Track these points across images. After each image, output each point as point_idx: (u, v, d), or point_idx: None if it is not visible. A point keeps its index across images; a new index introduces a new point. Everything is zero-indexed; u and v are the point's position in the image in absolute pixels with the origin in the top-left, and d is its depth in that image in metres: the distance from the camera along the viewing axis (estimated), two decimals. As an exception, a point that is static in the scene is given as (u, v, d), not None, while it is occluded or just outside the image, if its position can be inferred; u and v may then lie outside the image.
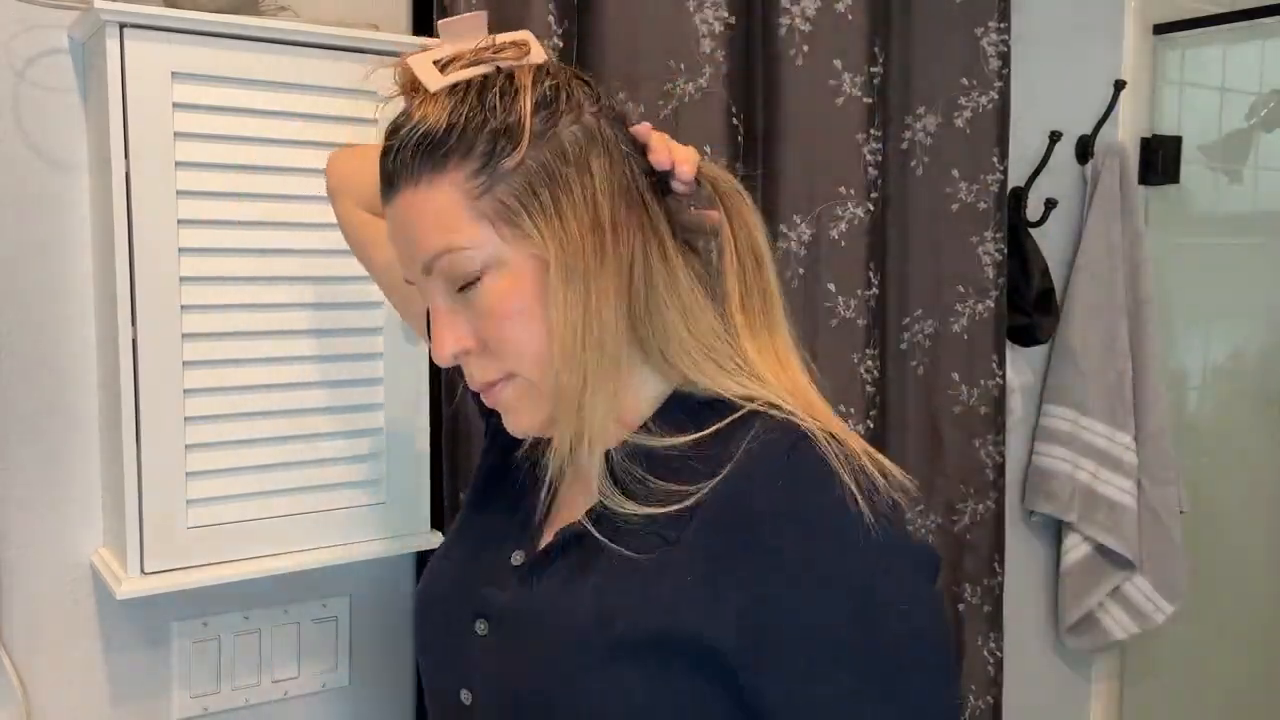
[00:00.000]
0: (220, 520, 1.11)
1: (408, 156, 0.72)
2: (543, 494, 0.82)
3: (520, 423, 0.77)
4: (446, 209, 0.71)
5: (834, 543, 0.66)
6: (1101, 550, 1.95)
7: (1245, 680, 2.25)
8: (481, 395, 0.77)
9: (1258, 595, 2.26)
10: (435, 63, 0.74)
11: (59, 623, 1.19)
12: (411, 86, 0.75)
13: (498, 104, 0.71)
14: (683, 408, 0.76)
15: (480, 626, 0.79)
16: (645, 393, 0.77)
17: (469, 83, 0.72)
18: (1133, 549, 1.93)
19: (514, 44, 0.75)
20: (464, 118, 0.71)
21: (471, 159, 0.71)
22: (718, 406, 0.74)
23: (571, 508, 0.80)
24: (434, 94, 0.73)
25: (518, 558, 0.80)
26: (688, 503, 0.71)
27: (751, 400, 0.74)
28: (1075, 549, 1.97)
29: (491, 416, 0.90)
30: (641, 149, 0.77)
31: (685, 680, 0.69)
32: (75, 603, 1.19)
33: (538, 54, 0.75)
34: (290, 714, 1.32)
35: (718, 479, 0.70)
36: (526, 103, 0.71)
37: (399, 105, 0.76)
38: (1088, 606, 1.97)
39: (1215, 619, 2.19)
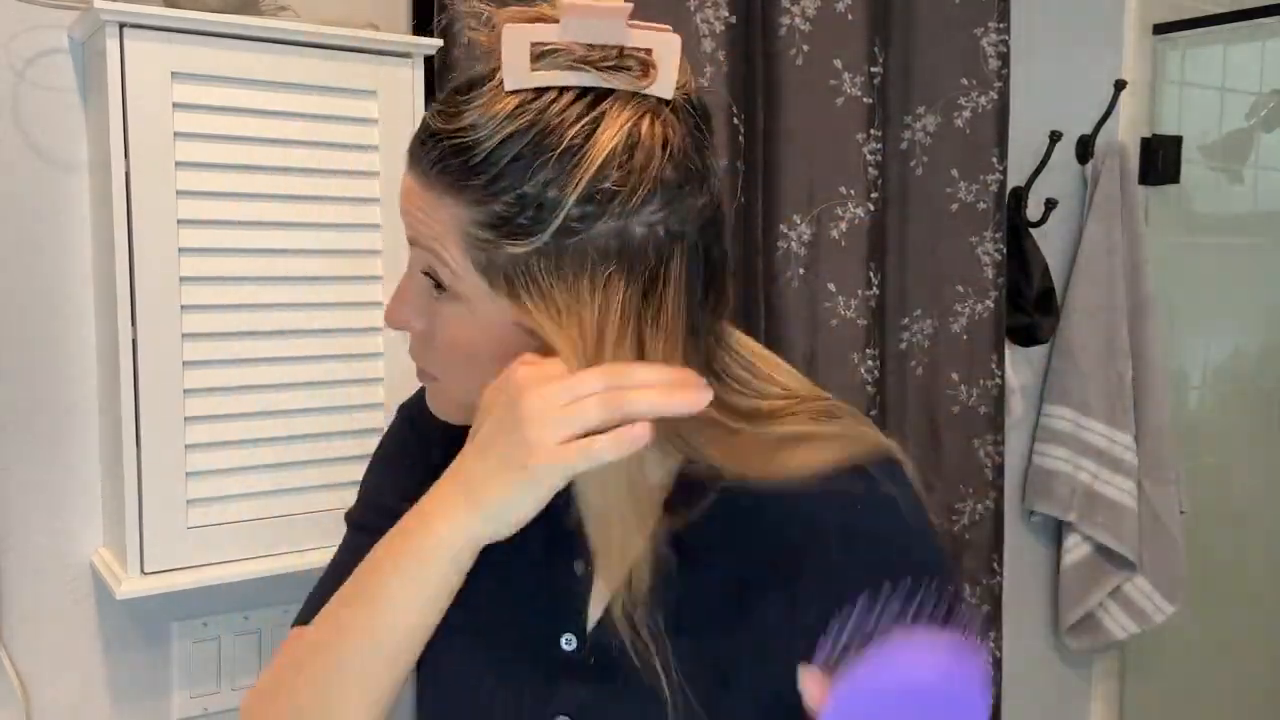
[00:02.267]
0: (220, 520, 1.11)
1: (435, 153, 0.64)
2: (575, 566, 0.74)
3: (436, 408, 0.73)
4: (445, 226, 0.65)
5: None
6: (1102, 550, 1.95)
7: (1245, 680, 2.25)
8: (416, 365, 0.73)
9: (1258, 595, 2.26)
10: (534, 46, 0.62)
11: (59, 623, 1.19)
12: (495, 53, 0.63)
13: (552, 164, 0.61)
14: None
15: None
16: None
17: (551, 102, 0.61)
18: (1133, 549, 1.93)
19: (642, 63, 0.62)
20: (508, 160, 0.61)
21: (484, 210, 0.62)
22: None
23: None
24: (508, 92, 0.62)
25: (571, 641, 0.72)
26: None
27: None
28: (1075, 549, 1.97)
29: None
30: (714, 233, 0.66)
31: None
32: (75, 603, 1.19)
33: (664, 85, 0.62)
34: (290, 714, 1.32)
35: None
36: (578, 184, 0.60)
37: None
38: (1088, 606, 1.97)
39: (1215, 619, 2.19)
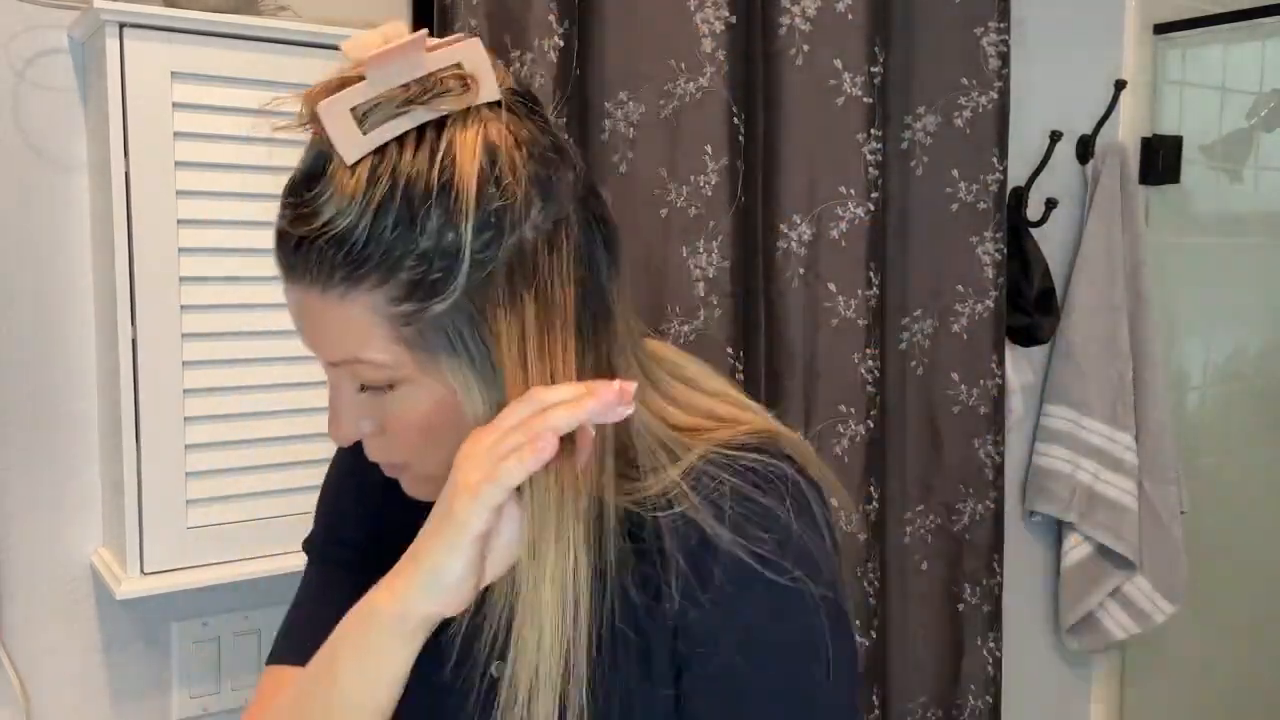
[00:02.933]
0: (220, 520, 1.11)
1: (313, 256, 0.60)
2: (494, 668, 0.70)
3: (416, 491, 0.71)
4: (358, 324, 0.61)
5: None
6: (1102, 550, 1.95)
7: (1245, 680, 2.25)
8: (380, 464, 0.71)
9: (1258, 595, 2.26)
10: (354, 111, 0.59)
11: (59, 623, 1.19)
12: (317, 133, 0.62)
13: (433, 212, 0.59)
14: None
15: None
16: None
17: (398, 155, 0.59)
18: (1133, 549, 1.93)
19: (458, 77, 0.61)
20: (390, 229, 0.59)
21: (394, 284, 0.60)
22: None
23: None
24: (351, 166, 0.59)
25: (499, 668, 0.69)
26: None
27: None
28: (1075, 549, 1.97)
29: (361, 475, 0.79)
30: (606, 231, 0.66)
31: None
32: (75, 603, 1.19)
33: (489, 88, 0.61)
34: (290, 714, 1.32)
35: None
36: (467, 216, 0.59)
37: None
38: (1088, 606, 1.97)
39: (1215, 619, 2.19)
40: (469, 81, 0.61)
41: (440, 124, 0.60)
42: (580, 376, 0.63)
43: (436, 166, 0.59)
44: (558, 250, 0.62)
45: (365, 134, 0.59)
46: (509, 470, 0.59)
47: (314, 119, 0.61)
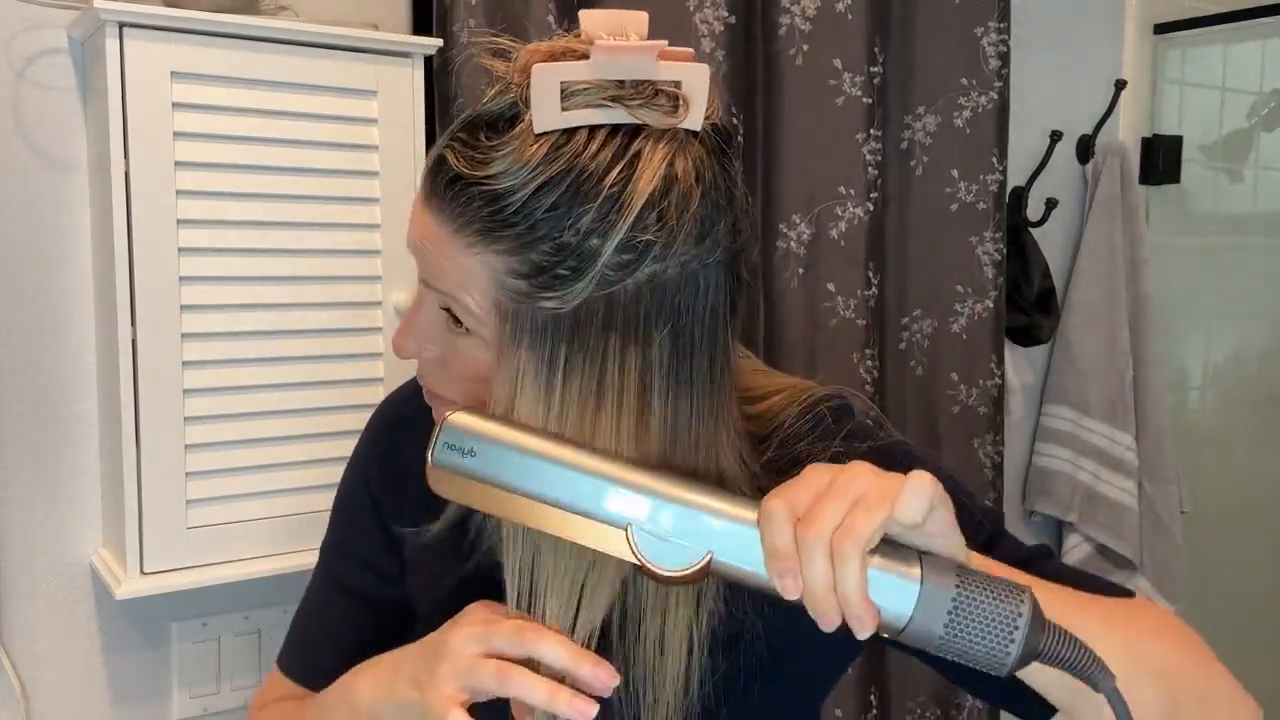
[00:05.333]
0: (220, 520, 1.11)
1: (463, 198, 0.61)
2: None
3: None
4: (473, 273, 0.61)
5: None
6: (1102, 550, 1.95)
7: (1245, 680, 2.24)
8: (425, 396, 0.72)
9: (1258, 595, 2.26)
10: (564, 85, 0.59)
11: (59, 623, 1.19)
12: (521, 89, 0.60)
13: (591, 212, 0.58)
14: None
15: None
16: None
17: (585, 143, 0.59)
18: (1133, 549, 1.93)
19: (673, 97, 0.60)
20: (544, 207, 0.59)
21: (521, 259, 0.60)
22: None
23: None
24: (537, 136, 0.59)
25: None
26: None
27: None
28: (1076, 549, 1.97)
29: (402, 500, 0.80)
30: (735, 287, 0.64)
31: None
32: (75, 603, 1.19)
33: (695, 117, 0.60)
34: (290, 714, 1.32)
35: None
36: (618, 234, 0.58)
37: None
38: (1088, 606, 1.97)
39: (1215, 619, 2.19)
40: (679, 103, 0.60)
41: (635, 131, 0.60)
42: (644, 438, 0.62)
43: (615, 171, 0.59)
44: (696, 292, 0.61)
45: (564, 110, 0.59)
46: (482, 685, 0.61)
47: (524, 74, 0.60)
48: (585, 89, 0.59)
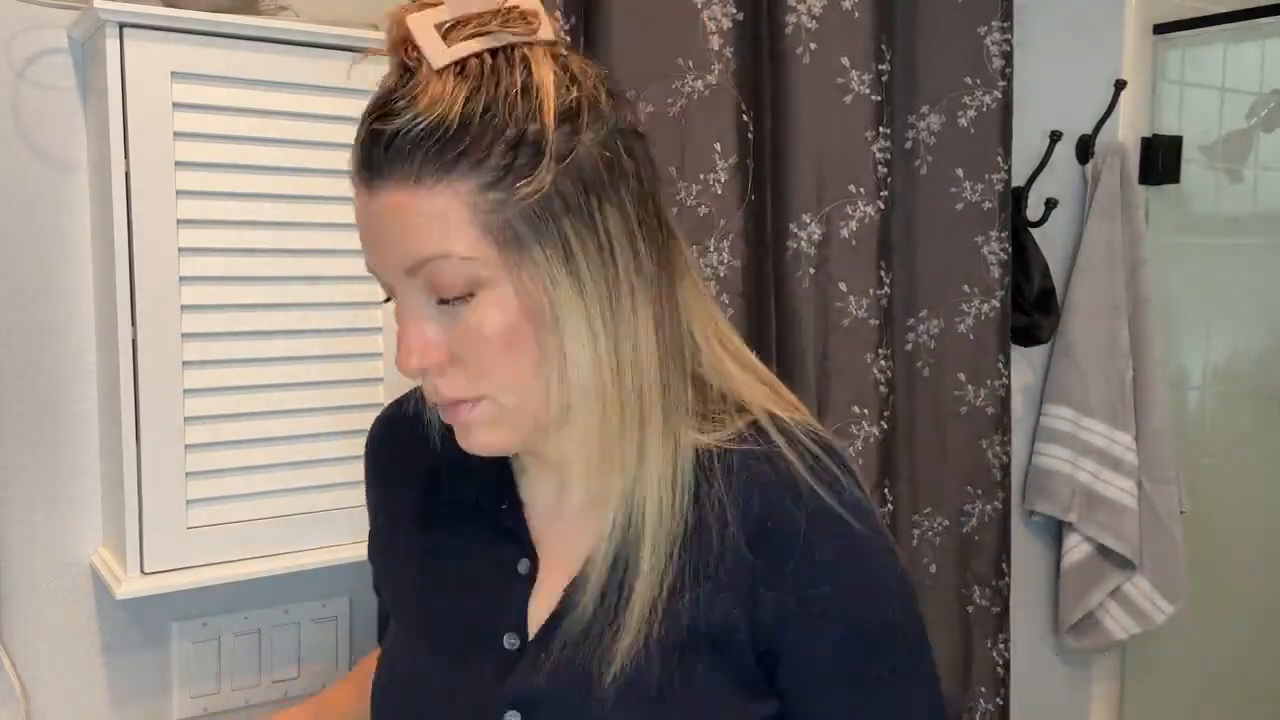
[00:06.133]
0: (220, 520, 1.11)
1: (406, 148, 0.63)
2: (520, 565, 0.77)
3: (480, 440, 0.71)
4: (448, 215, 0.64)
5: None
6: (1102, 550, 1.95)
7: (1245, 680, 2.25)
8: (440, 411, 0.72)
9: (1258, 595, 2.26)
10: (437, 27, 0.65)
11: (59, 623, 1.18)
12: (404, 50, 0.66)
13: (518, 105, 0.64)
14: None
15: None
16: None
17: (480, 65, 0.64)
18: (1133, 549, 1.93)
19: (522, 14, 0.66)
20: (479, 116, 0.63)
21: (484, 170, 0.63)
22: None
23: (561, 539, 0.77)
24: (438, 71, 0.64)
25: (513, 640, 0.75)
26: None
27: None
28: (1076, 549, 1.97)
29: (380, 461, 0.90)
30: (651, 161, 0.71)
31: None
32: (75, 603, 1.19)
33: (546, 29, 0.67)
34: (290, 714, 1.32)
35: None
36: (549, 111, 0.64)
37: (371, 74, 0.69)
38: (1088, 607, 1.97)
39: (1215, 619, 2.19)
40: (532, 18, 0.67)
41: (511, 48, 0.66)
42: (658, 276, 0.69)
43: (516, 71, 0.65)
44: (634, 157, 0.69)
45: (449, 47, 0.64)
46: None
47: (402, 32, 0.65)
48: (456, 24, 0.65)
